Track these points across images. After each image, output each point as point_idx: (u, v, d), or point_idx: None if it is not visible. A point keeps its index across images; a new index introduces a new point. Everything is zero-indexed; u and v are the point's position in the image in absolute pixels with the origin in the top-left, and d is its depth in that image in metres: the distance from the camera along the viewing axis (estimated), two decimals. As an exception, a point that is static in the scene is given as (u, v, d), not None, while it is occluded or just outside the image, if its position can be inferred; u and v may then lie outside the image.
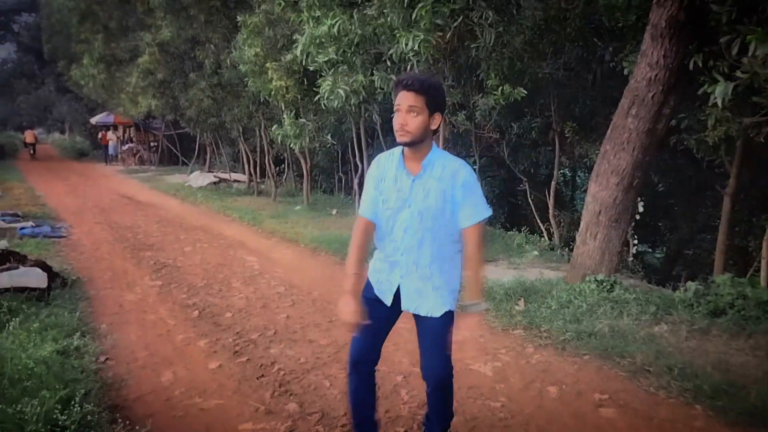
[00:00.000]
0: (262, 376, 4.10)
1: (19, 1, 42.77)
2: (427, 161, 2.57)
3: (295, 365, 4.27)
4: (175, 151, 25.86)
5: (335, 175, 15.83)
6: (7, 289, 5.54)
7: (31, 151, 31.35)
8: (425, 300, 2.69)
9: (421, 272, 2.65)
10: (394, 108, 2.51)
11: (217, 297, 6.09)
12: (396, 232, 2.64)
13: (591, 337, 4.61)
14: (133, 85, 16.18)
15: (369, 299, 2.75)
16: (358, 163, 12.71)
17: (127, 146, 28.69)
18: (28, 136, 32.41)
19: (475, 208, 2.59)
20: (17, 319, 4.79)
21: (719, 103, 4.42)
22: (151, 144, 28.81)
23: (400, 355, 4.39)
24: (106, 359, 4.39)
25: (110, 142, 28.13)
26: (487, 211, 2.61)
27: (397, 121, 2.49)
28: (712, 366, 4.03)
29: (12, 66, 43.45)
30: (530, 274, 6.57)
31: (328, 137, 10.13)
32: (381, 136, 12.25)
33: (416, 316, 2.76)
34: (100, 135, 28.85)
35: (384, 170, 2.66)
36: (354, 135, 12.17)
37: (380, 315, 2.75)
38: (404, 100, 2.46)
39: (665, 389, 3.78)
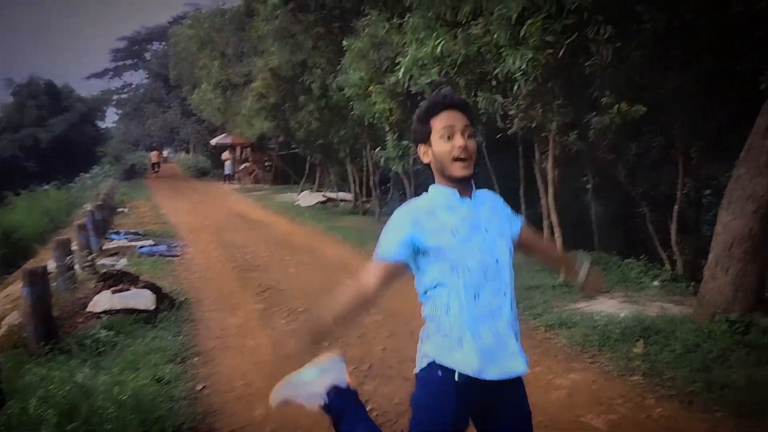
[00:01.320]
0: (355, 415, 3.91)
1: (151, 31, 46.41)
2: (473, 186, 2.13)
3: (389, 405, 4.05)
4: (287, 170, 26.71)
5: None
6: (117, 311, 5.76)
7: (156, 170, 35.81)
8: (523, 351, 2.10)
9: (515, 313, 2.12)
10: (436, 136, 2.03)
11: (315, 324, 6.01)
12: (490, 268, 2.04)
13: (724, 389, 4.04)
14: (247, 108, 16.86)
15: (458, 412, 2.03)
16: (464, 183, 12.42)
17: (243, 166, 30.04)
18: (153, 156, 37.46)
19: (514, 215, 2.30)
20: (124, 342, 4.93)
21: None
22: (266, 163, 29.97)
23: None
24: (203, 388, 4.39)
25: (227, 162, 29.57)
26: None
27: (456, 145, 2.00)
28: None
29: (143, 91, 47.01)
30: (650, 310, 5.99)
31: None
32: (486, 157, 11.91)
33: (502, 386, 2.05)
34: (224, 155, 30.58)
35: (424, 208, 2.08)
36: (459, 155, 11.90)
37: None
38: (455, 120, 2.02)
39: (819, 461, 3.20)
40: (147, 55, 48.44)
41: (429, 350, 2.08)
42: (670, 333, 5.10)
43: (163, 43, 42.08)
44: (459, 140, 2.01)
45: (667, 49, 7.52)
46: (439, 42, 6.65)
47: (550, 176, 7.55)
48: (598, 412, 3.85)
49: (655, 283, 7.39)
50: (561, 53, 5.87)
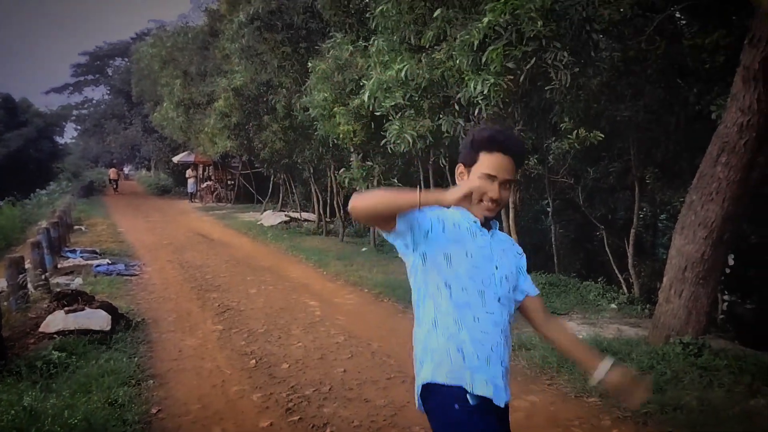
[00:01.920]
0: (313, 438, 3.87)
1: (114, 46, 45.81)
2: (493, 224, 2.13)
3: (348, 428, 4.02)
4: (250, 189, 26.50)
5: (404, 216, 15.66)
6: (71, 332, 5.60)
7: (114, 187, 35.63)
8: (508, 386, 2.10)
9: (509, 350, 2.12)
10: (480, 170, 2.01)
11: (275, 345, 5.94)
12: (489, 300, 2.04)
13: (677, 411, 4.13)
14: (210, 126, 16.73)
15: (450, 422, 2.00)
16: (427, 205, 12.50)
17: (205, 184, 29.69)
18: (112, 173, 37.35)
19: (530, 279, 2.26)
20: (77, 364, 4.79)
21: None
22: (228, 182, 29.67)
23: None
24: (158, 411, 4.28)
25: (189, 180, 29.20)
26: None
27: (491, 194, 2.00)
28: (823, 455, 3.49)
29: (104, 107, 46.24)
30: (607, 332, 6.10)
31: (395, 180, 9.99)
32: (449, 179, 12.02)
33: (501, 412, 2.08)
34: (187, 173, 30.19)
35: (452, 215, 2.07)
36: (422, 178, 12.00)
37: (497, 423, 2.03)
38: (504, 170, 1.99)
39: (767, 481, 3.28)
40: (109, 71, 47.75)
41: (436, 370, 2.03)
42: (626, 354, 5.20)
43: (126, 59, 41.58)
44: (494, 192, 2.00)
45: (622, 78, 7.77)
46: (404, 66, 6.75)
47: (510, 199, 7.66)
48: (555, 434, 3.89)
49: (613, 305, 7.53)
50: (521, 79, 6.00)
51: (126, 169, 50.67)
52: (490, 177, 1.99)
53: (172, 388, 4.76)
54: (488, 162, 2.00)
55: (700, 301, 5.50)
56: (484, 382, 1.97)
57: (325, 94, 9.14)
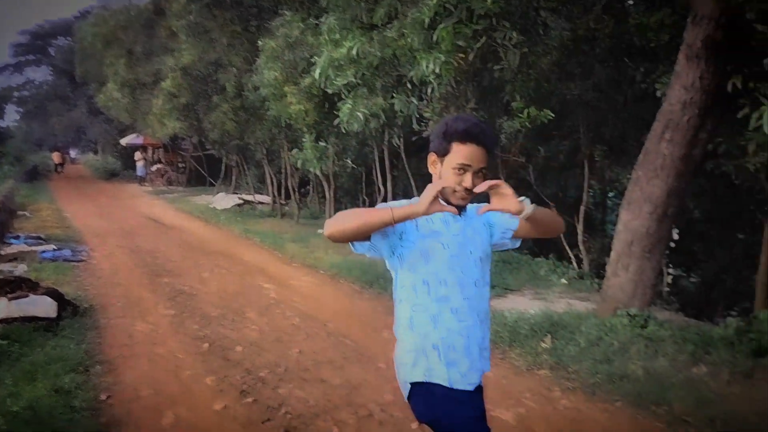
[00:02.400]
0: (268, 419, 3.85)
1: (55, 25, 43.97)
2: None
3: (303, 408, 4.01)
4: (202, 172, 26.00)
5: (359, 197, 15.64)
6: (15, 319, 5.41)
7: (59, 171, 34.46)
8: (486, 366, 2.20)
9: (485, 332, 2.18)
10: (453, 160, 2.00)
11: (229, 328, 5.87)
12: (467, 287, 2.10)
13: (624, 380, 4.27)
14: (158, 107, 16.27)
15: (436, 419, 2.07)
16: (381, 186, 12.50)
17: (155, 167, 28.97)
18: (56, 157, 35.80)
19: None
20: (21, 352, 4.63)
21: (766, 129, 4.08)
22: (179, 165, 29.03)
23: (416, 399, 4.09)
24: (108, 397, 4.19)
25: (139, 164, 28.44)
26: None
27: (464, 184, 1.99)
28: (759, 417, 3.65)
29: (47, 88, 44.47)
30: (558, 306, 6.24)
31: (348, 161, 9.94)
32: (405, 159, 12.04)
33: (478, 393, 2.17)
34: (135, 156, 29.36)
35: None
36: (377, 158, 11.97)
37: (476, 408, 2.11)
38: (477, 159, 1.99)
39: (707, 444, 3.43)
40: (51, 51, 45.82)
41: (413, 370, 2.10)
42: (576, 328, 5.33)
43: (69, 38, 39.94)
44: (468, 181, 1.99)
45: (572, 57, 7.87)
46: (355, 44, 6.68)
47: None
48: (507, 406, 3.97)
49: (563, 280, 7.71)
50: (472, 57, 6.01)
51: (72, 153, 48.93)
52: (464, 167, 1.99)
53: (122, 374, 4.66)
54: (462, 153, 1.99)
55: (646, 275, 5.67)
56: (460, 376, 2.05)
57: (276, 73, 8.99)
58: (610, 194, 13.52)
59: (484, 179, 2.00)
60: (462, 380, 2.06)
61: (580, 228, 9.07)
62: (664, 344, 4.88)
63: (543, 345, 5.01)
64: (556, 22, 7.37)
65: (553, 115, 7.03)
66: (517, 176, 11.10)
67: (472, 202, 2.11)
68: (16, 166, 30.42)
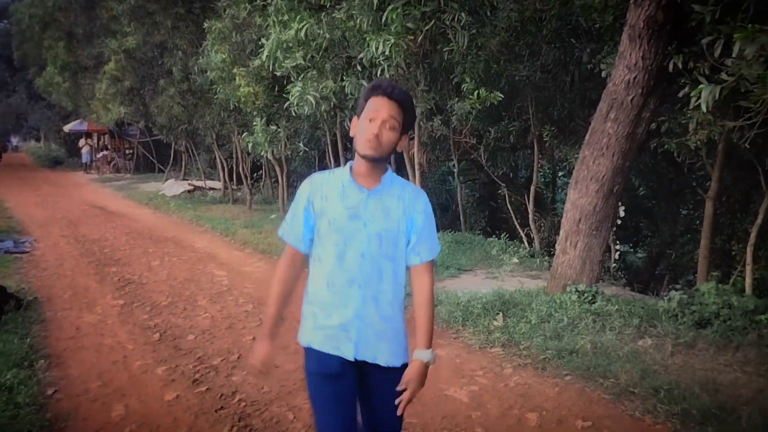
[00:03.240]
0: (222, 408, 3.80)
1: (-10, 7, 41.93)
2: (387, 177, 2.21)
3: (257, 395, 3.98)
4: (150, 158, 25.37)
5: (312, 181, 15.50)
6: (-48, 315, 5.19)
7: None
8: (385, 346, 2.21)
9: (382, 311, 2.19)
10: (365, 115, 2.12)
11: (180, 317, 5.77)
12: (349, 259, 2.16)
13: (573, 354, 4.37)
14: (101, 91, 15.74)
15: (320, 374, 2.21)
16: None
17: (101, 154, 28.09)
18: None
19: (433, 241, 2.27)
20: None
21: (704, 107, 4.20)
22: (127, 151, 28.26)
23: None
24: (54, 392, 4.06)
25: (83, 150, 27.54)
26: (438, 249, 2.33)
27: (368, 130, 2.09)
28: (700, 386, 3.80)
29: (-18, 74, 42.51)
30: (510, 285, 6.34)
31: (300, 144, 9.83)
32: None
33: (368, 371, 2.23)
34: (80, 143, 28.38)
35: (322, 187, 2.22)
36: (329, 141, 11.88)
37: (342, 386, 2.20)
38: (384, 109, 2.10)
39: (651, 413, 3.55)
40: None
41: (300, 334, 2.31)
42: (527, 305, 5.43)
43: (4, 21, 38.18)
44: (375, 128, 2.09)
45: (520, 38, 7.93)
46: (303, 25, 6.57)
47: (416, 161, 7.74)
48: (460, 385, 4.02)
49: (514, 259, 7.84)
50: (421, 39, 6.00)
51: (14, 141, 47.10)
52: (374, 114, 2.10)
53: (69, 368, 4.53)
54: (371, 105, 2.12)
55: (594, 251, 5.81)
56: (324, 338, 2.19)
57: (224, 56, 8.80)
58: (560, 174, 13.82)
59: (396, 133, 2.13)
60: (326, 344, 2.19)
61: (530, 207, 9.23)
62: (611, 318, 5.02)
63: (495, 323, 5.08)
64: (504, 3, 7.41)
65: (503, 96, 7.10)
66: (469, 157, 11.21)
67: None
68: (-48, 155, 29.11)
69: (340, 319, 2.18)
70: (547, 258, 7.88)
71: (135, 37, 13.11)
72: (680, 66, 4.95)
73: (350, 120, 9.71)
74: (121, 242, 9.97)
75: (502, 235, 9.04)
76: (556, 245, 6.11)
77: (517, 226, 9.52)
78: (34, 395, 3.90)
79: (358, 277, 2.17)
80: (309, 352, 2.24)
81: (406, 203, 2.21)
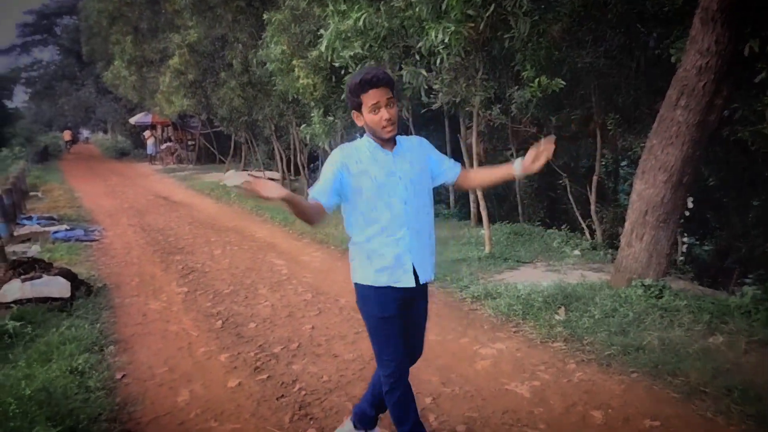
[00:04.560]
0: (282, 396, 3.86)
1: (60, 4, 43.69)
2: (397, 140, 2.71)
3: (317, 384, 4.01)
4: (212, 149, 25.98)
5: (369, 171, 15.55)
6: (29, 300, 5.45)
7: (68, 147, 37.46)
8: (431, 260, 2.81)
9: (425, 238, 2.76)
10: (366, 108, 2.56)
11: (242, 305, 5.89)
12: (395, 206, 2.65)
13: (639, 351, 4.22)
14: (165, 84, 16.19)
15: (382, 316, 2.72)
16: (391, 159, 12.40)
17: (165, 145, 28.97)
18: (66, 135, 38.86)
19: (450, 161, 2.92)
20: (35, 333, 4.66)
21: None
22: (189, 143, 29.01)
23: (429, 373, 4.08)
24: (123, 376, 4.21)
25: (148, 142, 28.45)
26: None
27: (380, 118, 2.55)
28: (777, 386, 3.60)
29: (54, 68, 44.38)
30: (571, 278, 6.18)
31: (357, 135, 9.83)
32: (413, 132, 11.92)
33: (413, 295, 2.78)
34: (145, 134, 29.45)
35: (354, 153, 2.65)
36: (386, 131, 11.86)
37: (398, 322, 2.74)
38: (381, 95, 2.53)
39: (724, 414, 3.39)
40: (57, 30, 45.60)
41: (356, 274, 2.76)
42: (590, 299, 5.28)
43: (74, 17, 39.72)
44: (384, 113, 2.55)
45: (583, 24, 7.69)
46: (362, 15, 6.55)
47: (474, 150, 7.63)
48: (522, 380, 3.94)
49: (576, 252, 7.64)
50: (482, 26, 5.88)
51: (84, 133, 49.18)
52: (376, 105, 2.54)
53: (136, 353, 4.69)
54: (368, 98, 2.54)
55: (661, 244, 5.60)
56: (386, 277, 2.67)
57: (283, 47, 8.87)
58: (623, 163, 13.38)
59: (396, 106, 2.59)
60: (387, 280, 2.67)
61: (592, 198, 8.98)
62: (679, 314, 4.83)
63: (557, 317, 4.97)
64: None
65: (565, 84, 6.91)
66: (528, 147, 10.98)
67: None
68: (26, 146, 30.53)
69: (396, 257, 2.66)
70: (610, 251, 7.65)
71: (197, 30, 13.39)
72: (756, 50, 4.69)
73: (407, 110, 9.70)
74: (185, 231, 10.25)
75: (562, 227, 8.83)
76: (621, 237, 5.92)
77: (579, 218, 9.28)
78: (104, 379, 4.05)
79: (405, 220, 2.67)
80: (370, 290, 2.70)
81: (417, 150, 2.79)
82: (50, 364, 4.16)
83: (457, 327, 4.98)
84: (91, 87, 36.90)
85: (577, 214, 9.36)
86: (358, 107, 2.59)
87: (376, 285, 2.68)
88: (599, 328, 4.69)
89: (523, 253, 7.46)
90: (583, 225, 9.10)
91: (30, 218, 11.51)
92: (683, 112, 5.30)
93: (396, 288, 2.68)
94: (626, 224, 5.81)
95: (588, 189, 9.13)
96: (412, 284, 2.69)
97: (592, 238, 8.67)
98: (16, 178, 14.00)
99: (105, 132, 44.22)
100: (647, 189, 5.55)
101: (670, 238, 5.69)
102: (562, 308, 5.12)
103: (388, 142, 2.66)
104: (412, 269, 2.69)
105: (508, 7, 5.75)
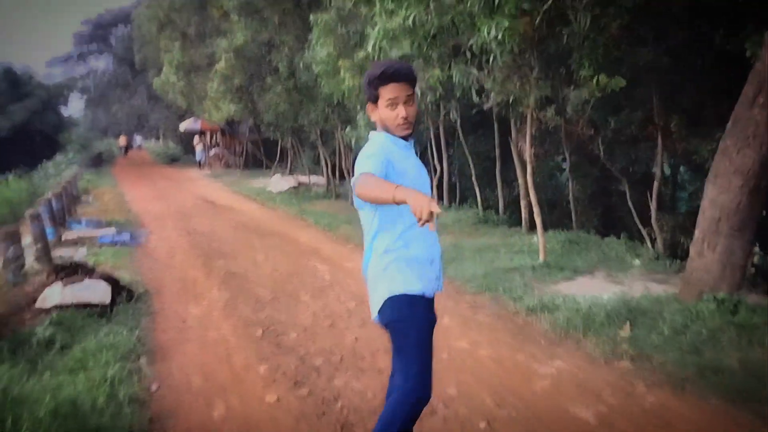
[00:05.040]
0: (323, 414, 3.58)
1: (116, 14, 44.97)
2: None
3: (360, 401, 3.72)
4: (258, 154, 26.12)
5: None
6: (69, 305, 5.33)
7: (124, 152, 39.18)
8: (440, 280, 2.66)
9: (439, 247, 2.63)
10: (383, 102, 2.42)
11: (283, 312, 5.66)
12: None
13: (717, 374, 3.79)
14: (213, 90, 16.27)
15: (431, 321, 2.54)
16: (437, 165, 12.09)
17: (213, 151, 29.31)
18: (122, 140, 40.50)
19: None
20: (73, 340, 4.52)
21: None
22: (237, 148, 29.29)
23: (482, 393, 3.74)
24: (158, 388, 4.01)
25: (197, 148, 28.85)
26: None
27: (396, 115, 2.42)
28: None
29: (108, 77, 45.65)
30: (634, 290, 5.75)
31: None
32: (461, 136, 11.58)
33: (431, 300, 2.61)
34: (194, 140, 29.99)
35: (391, 149, 2.45)
36: (432, 135, 11.57)
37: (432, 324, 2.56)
38: (401, 91, 2.40)
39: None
40: (112, 40, 46.94)
41: (396, 284, 2.46)
42: (657, 314, 4.86)
43: (128, 26, 40.80)
44: (401, 111, 2.42)
45: (643, 19, 7.23)
46: (411, 12, 6.27)
47: (528, 154, 7.26)
48: (586, 403, 3.56)
49: (637, 261, 7.18)
50: (537, 21, 5.53)
51: (138, 139, 50.62)
52: (393, 101, 2.40)
53: (173, 361, 4.50)
54: (386, 92, 2.40)
55: (735, 255, 5.13)
56: (429, 285, 2.50)
57: (329, 49, 8.67)
58: (681, 168, 12.70)
59: (415, 104, 2.47)
60: (430, 288, 2.51)
61: (653, 205, 8.47)
62: (758, 332, 4.37)
63: (621, 333, 4.56)
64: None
65: (625, 83, 6.49)
66: (583, 150, 10.51)
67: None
68: (81, 152, 31.38)
69: (432, 264, 2.53)
70: (674, 261, 7.15)
71: (243, 34, 13.35)
72: None
73: (456, 111, 9.39)
74: (229, 235, 10.14)
75: (619, 235, 8.35)
76: (691, 247, 5.46)
77: (638, 225, 8.77)
78: (138, 390, 3.86)
79: (435, 223, 2.35)
80: (414, 298, 2.44)
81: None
82: (84, 373, 3.99)
83: (511, 342, 4.62)
84: (143, 94, 37.75)
85: (637, 221, 8.85)
86: (375, 100, 2.46)
87: (419, 293, 2.46)
88: (670, 346, 4.27)
89: (579, 263, 7.03)
90: (644, 233, 8.58)
91: (79, 222, 11.64)
92: (762, 110, 4.85)
93: (427, 297, 2.52)
94: (696, 232, 5.35)
95: (648, 195, 8.62)
96: (440, 289, 2.62)
97: (653, 247, 8.16)
98: (67, 183, 14.25)
99: (157, 138, 45.22)
100: (721, 194, 5.09)
101: (746, 248, 5.22)
102: (627, 324, 4.70)
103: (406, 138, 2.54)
104: (440, 276, 2.61)
105: (567, 1, 5.38)
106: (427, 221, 1.94)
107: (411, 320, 2.46)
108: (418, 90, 6.84)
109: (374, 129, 2.60)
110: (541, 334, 4.80)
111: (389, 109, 2.41)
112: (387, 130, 2.47)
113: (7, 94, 32.00)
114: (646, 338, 4.41)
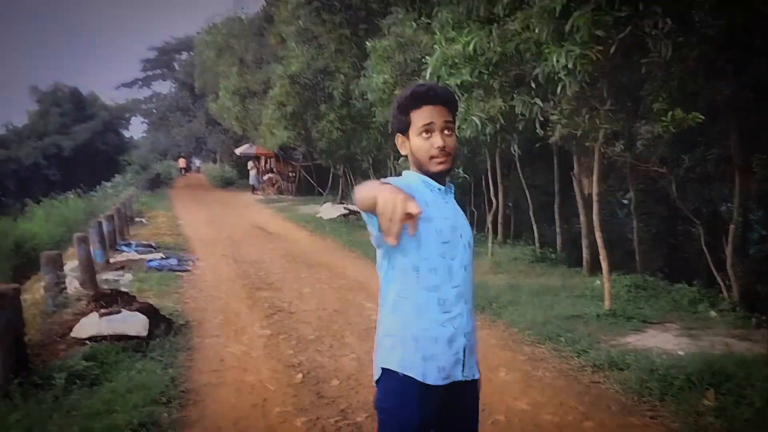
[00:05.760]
0: (364, 483, 3.18)
1: (180, 41, 46.54)
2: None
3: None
4: (311, 181, 26.17)
5: (467, 209, 14.81)
6: (105, 337, 5.11)
7: (183, 173, 41.54)
8: (475, 358, 2.04)
9: (473, 322, 2.03)
10: (415, 130, 1.94)
11: (326, 355, 5.29)
12: (456, 272, 1.95)
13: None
14: (268, 116, 16.32)
15: (422, 419, 1.92)
16: (493, 198, 11.63)
17: (267, 176, 29.58)
18: (181, 162, 43.03)
19: None
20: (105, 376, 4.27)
21: None
22: (290, 174, 29.48)
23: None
24: (186, 438, 3.69)
25: (251, 172, 29.18)
26: None
27: (434, 144, 1.92)
28: None
29: (170, 101, 47.09)
30: (715, 348, 5.14)
31: (459, 171, 9.18)
32: (519, 169, 11.12)
33: (455, 390, 1.97)
34: (249, 165, 30.56)
35: (417, 191, 1.85)
36: (489, 167, 11.14)
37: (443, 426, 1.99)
38: (437, 116, 1.93)
39: None
40: (175, 65, 48.55)
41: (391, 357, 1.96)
42: (744, 379, 4.25)
43: (191, 53, 42.14)
44: (437, 140, 1.93)
45: (722, 51, 6.70)
46: (472, 38, 5.93)
47: (595, 190, 6.76)
48: (670, 491, 3.05)
49: (713, 312, 6.54)
50: (612, 50, 5.10)
51: (196, 162, 52.03)
52: (428, 127, 1.93)
53: (206, 407, 4.18)
54: (420, 117, 1.94)
55: (838, 315, 4.51)
56: (436, 370, 1.91)
57: (386, 76, 8.41)
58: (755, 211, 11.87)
59: (455, 135, 1.97)
60: (437, 375, 1.91)
61: (728, 249, 7.78)
62: None
63: (705, 402, 4.00)
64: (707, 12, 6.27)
65: (703, 118, 5.97)
66: (651, 187, 9.89)
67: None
68: (140, 174, 32.20)
69: (449, 340, 1.93)
70: (754, 313, 6.47)
71: (300, 61, 13.32)
72: None
73: (517, 144, 8.95)
74: (277, 265, 9.92)
75: (692, 281, 7.70)
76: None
77: (714, 271, 8.07)
78: (166, 441, 3.54)
79: (464, 291, 1.98)
80: (408, 383, 1.89)
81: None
82: (112, 415, 3.71)
83: (577, 406, 4.12)
84: (202, 119, 38.64)
85: (712, 267, 8.16)
86: (405, 129, 1.98)
87: (417, 378, 1.89)
88: (763, 421, 3.69)
89: (649, 312, 6.44)
90: (719, 280, 7.89)
91: (129, 245, 11.63)
92: None
93: (440, 387, 1.92)
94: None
95: (724, 239, 7.95)
96: (461, 377, 1.95)
97: (729, 295, 7.47)
98: (121, 205, 14.39)
99: (214, 162, 46.20)
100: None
101: None
102: (711, 390, 4.14)
103: (442, 182, 2.00)
104: (462, 358, 1.95)
105: (646, 28, 4.94)
106: (398, 230, 1.51)
107: (396, 416, 1.91)
108: (477, 120, 6.47)
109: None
110: (610, 397, 4.28)
111: (422, 138, 1.93)
112: (419, 166, 1.97)
113: (72, 115, 33.24)
114: (735, 410, 3.84)
